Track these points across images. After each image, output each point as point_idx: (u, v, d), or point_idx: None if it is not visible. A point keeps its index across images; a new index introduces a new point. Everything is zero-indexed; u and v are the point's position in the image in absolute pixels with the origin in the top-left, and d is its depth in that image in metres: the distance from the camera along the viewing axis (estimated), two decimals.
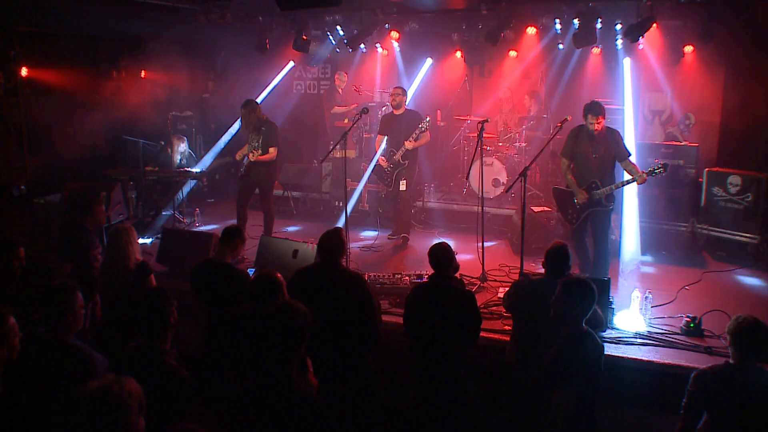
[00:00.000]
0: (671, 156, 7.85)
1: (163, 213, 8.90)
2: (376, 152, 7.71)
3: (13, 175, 8.56)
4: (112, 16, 8.78)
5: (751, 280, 6.54)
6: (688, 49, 8.10)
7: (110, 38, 9.94)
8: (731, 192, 7.29)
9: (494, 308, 5.55)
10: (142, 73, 10.37)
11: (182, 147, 9.07)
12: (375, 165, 7.71)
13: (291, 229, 8.64)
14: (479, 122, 6.17)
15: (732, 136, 8.39)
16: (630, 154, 5.87)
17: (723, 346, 4.91)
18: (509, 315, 5.42)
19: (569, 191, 6.02)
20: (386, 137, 7.57)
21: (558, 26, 8.05)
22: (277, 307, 2.82)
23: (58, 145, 9.32)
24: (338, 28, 9.15)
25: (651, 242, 7.39)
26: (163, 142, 8.97)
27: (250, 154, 7.04)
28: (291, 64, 10.60)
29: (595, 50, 8.78)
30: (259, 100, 10.19)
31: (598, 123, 5.67)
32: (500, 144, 8.93)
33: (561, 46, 8.67)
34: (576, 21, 7.81)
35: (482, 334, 5.08)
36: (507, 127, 9.02)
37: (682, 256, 7.21)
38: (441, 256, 4.32)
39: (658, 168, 5.54)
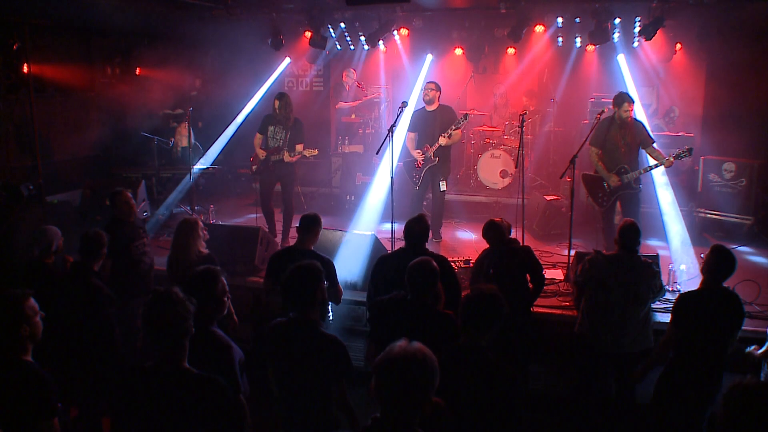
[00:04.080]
0: (669, 145, 8.44)
1: (174, 211, 8.81)
2: (409, 149, 7.52)
3: (14, 175, 8.25)
4: (117, 11, 8.58)
5: (754, 256, 7.20)
6: (678, 46, 8.76)
7: (105, 34, 9.70)
8: (726, 178, 7.96)
9: (546, 288, 5.88)
10: (137, 70, 10.18)
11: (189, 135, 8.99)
12: (407, 162, 7.52)
13: None
14: (520, 114, 6.51)
15: (714, 127, 9.11)
16: (654, 141, 6.38)
17: (757, 311, 5.50)
18: (566, 291, 5.85)
19: (599, 177, 6.47)
20: (417, 134, 7.42)
21: (560, 23, 8.52)
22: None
23: (59, 143, 9.06)
24: (342, 25, 9.33)
25: (655, 226, 7.95)
26: (173, 139, 8.88)
27: (307, 151, 7.15)
28: (287, 60, 10.58)
29: (590, 47, 9.30)
30: (257, 98, 10.24)
31: (631, 110, 6.20)
32: (506, 137, 9.34)
33: (560, 42, 9.16)
34: (578, 19, 8.35)
35: (544, 310, 5.50)
36: (512, 121, 9.42)
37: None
38: (491, 229, 4.89)
39: (684, 152, 6.05)
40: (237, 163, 10.51)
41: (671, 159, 6.16)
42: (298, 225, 4.79)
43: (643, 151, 6.48)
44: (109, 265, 5.30)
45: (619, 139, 6.37)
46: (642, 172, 6.32)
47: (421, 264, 3.66)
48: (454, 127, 7.16)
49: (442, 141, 7.15)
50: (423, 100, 7.35)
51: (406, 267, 4.35)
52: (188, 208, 8.59)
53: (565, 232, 7.87)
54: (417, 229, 4.59)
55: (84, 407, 4.31)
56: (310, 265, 3.30)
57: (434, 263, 3.71)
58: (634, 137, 6.37)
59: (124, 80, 10.03)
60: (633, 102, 6.26)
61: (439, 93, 7.30)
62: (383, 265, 4.71)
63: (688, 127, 9.19)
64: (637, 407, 4.82)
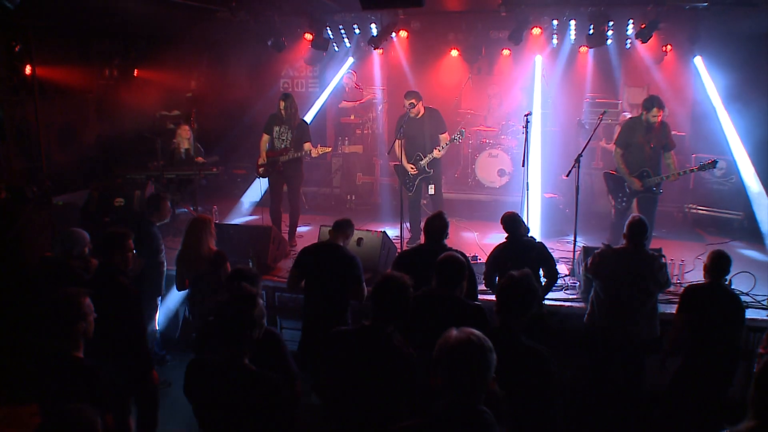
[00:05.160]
0: None
1: (177, 211, 8.86)
2: (397, 156, 7.31)
3: (16, 177, 8.24)
4: (117, 13, 8.60)
5: (746, 249, 7.50)
6: (668, 47, 9.06)
7: (104, 35, 9.71)
8: (717, 175, 8.27)
9: None
10: (135, 72, 10.22)
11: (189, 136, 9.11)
12: (399, 166, 7.30)
13: (310, 224, 8.76)
14: (525, 114, 6.68)
15: (701, 126, 9.42)
16: (675, 146, 6.56)
17: (753, 301, 5.77)
18: (572, 285, 6.07)
19: (620, 177, 6.60)
20: (405, 141, 7.17)
21: (555, 26, 8.77)
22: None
23: (58, 145, 9.05)
24: (340, 27, 9.50)
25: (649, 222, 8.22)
26: (175, 140, 8.95)
27: (314, 150, 7.22)
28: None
29: (583, 49, 9.55)
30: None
31: (660, 116, 6.32)
32: (502, 137, 9.55)
33: (554, 43, 9.39)
34: (572, 23, 8.61)
35: (552, 303, 5.71)
36: (509, 120, 9.64)
37: (679, 232, 8.10)
38: (512, 221, 5.11)
39: (708, 164, 6.24)
40: (232, 165, 10.60)
41: (678, 174, 6.37)
42: (331, 227, 4.95)
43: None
44: (142, 264, 5.34)
45: (644, 142, 6.45)
46: (664, 179, 6.41)
47: (450, 258, 3.81)
48: (448, 142, 7.02)
49: (437, 154, 7.03)
50: (411, 114, 7.00)
51: (425, 263, 4.57)
52: (191, 208, 8.65)
53: (563, 228, 8.17)
54: (436, 226, 4.77)
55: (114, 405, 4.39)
56: (401, 278, 3.22)
57: (461, 258, 3.88)
58: (660, 140, 6.47)
59: (123, 82, 10.06)
60: (663, 108, 6.33)
61: (421, 101, 7.02)
62: (403, 261, 4.87)
63: (678, 126, 9.48)
64: (645, 394, 5.08)
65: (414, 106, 6.96)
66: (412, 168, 7.17)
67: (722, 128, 8.68)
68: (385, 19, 8.63)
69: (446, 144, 7.05)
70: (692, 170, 6.45)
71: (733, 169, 8.13)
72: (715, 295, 4.40)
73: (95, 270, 4.54)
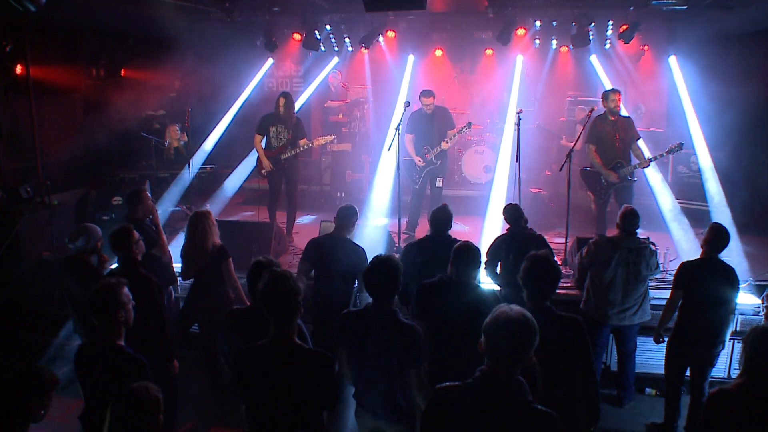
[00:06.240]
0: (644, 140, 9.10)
1: (171, 210, 8.89)
2: (408, 150, 7.59)
3: (7, 178, 8.20)
4: (105, 12, 8.59)
5: None
6: (645, 47, 9.45)
7: (91, 35, 9.68)
8: (693, 169, 8.67)
9: None
10: (122, 72, 10.20)
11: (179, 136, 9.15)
12: (406, 161, 7.55)
13: (303, 220, 8.91)
14: (517, 112, 6.95)
15: (677, 122, 9.82)
16: (640, 137, 6.92)
17: None
18: (566, 274, 6.34)
19: (596, 171, 6.92)
20: (415, 136, 7.56)
21: (538, 27, 9.08)
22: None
23: (46, 145, 8.99)
24: (328, 28, 9.64)
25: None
26: (168, 140, 8.99)
27: (316, 141, 7.40)
28: (270, 61, 10.82)
29: (564, 49, 9.89)
30: (243, 98, 10.46)
31: (618, 98, 6.70)
32: (488, 134, 9.83)
33: (537, 43, 9.71)
34: (556, 23, 8.92)
35: None
36: (494, 118, 9.93)
37: (660, 224, 8.45)
38: (515, 212, 5.33)
39: (676, 147, 6.59)
40: (219, 164, 10.64)
41: (649, 160, 6.69)
42: (336, 216, 5.07)
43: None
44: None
45: (613, 135, 6.79)
46: (636, 166, 6.72)
47: (467, 245, 4.02)
48: (456, 134, 7.45)
49: (444, 146, 7.43)
50: (425, 111, 7.44)
51: (432, 252, 4.79)
52: (185, 207, 8.70)
53: (550, 222, 8.48)
54: (441, 218, 4.98)
55: None
56: (390, 259, 3.41)
57: (473, 245, 4.10)
58: (627, 132, 6.82)
59: (109, 81, 10.03)
60: (619, 91, 6.75)
61: (434, 98, 7.45)
62: (410, 252, 5.07)
63: (655, 123, 9.89)
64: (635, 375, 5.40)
65: (431, 105, 7.34)
66: (419, 160, 7.51)
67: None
68: (376, 21, 8.81)
69: (454, 135, 7.45)
70: (661, 155, 6.77)
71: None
72: (708, 268, 4.59)
73: (120, 264, 4.59)
